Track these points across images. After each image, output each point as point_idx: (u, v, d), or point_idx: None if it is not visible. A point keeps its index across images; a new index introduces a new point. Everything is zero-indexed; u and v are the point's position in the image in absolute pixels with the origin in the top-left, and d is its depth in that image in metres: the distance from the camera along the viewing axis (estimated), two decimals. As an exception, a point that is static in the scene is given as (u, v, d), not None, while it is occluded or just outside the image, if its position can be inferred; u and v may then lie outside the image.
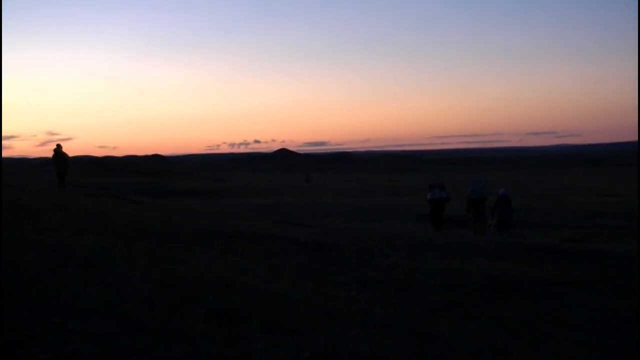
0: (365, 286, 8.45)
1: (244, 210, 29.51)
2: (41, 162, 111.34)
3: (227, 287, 6.51)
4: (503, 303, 8.30)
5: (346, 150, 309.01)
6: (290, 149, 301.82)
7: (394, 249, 12.70)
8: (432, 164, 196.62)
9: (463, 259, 12.32)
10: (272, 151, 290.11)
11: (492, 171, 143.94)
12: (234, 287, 6.62)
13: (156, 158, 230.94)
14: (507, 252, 14.03)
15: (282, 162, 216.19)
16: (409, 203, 42.21)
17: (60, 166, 25.69)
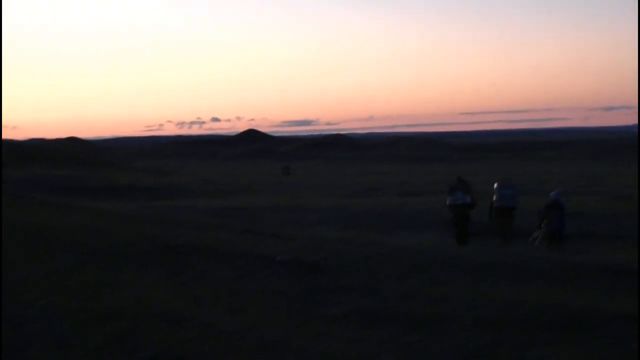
0: (370, 322, 8.47)
1: (198, 216, 29.47)
2: None
3: (174, 323, 6.52)
4: (562, 344, 8.33)
5: (341, 132, 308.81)
6: (263, 129, 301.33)
7: (409, 271, 12.73)
8: (462, 150, 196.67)
9: (506, 283, 12.35)
10: (236, 133, 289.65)
11: (547, 161, 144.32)
12: (185, 322, 6.64)
13: (74, 142, 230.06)
14: (568, 275, 14.09)
15: (250, 147, 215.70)
16: (429, 205, 42.28)
17: None
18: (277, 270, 11.45)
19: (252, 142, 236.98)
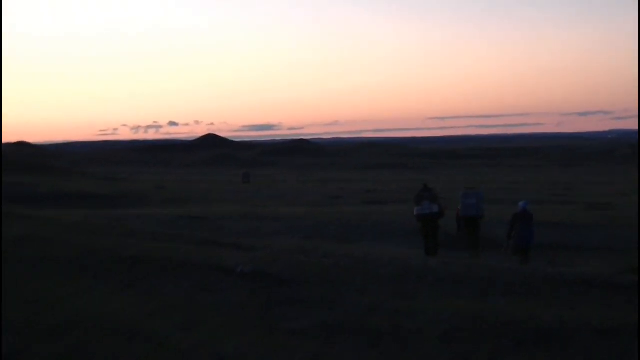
0: (332, 337, 8.48)
1: (153, 225, 29.35)
2: None
3: (128, 338, 6.49)
4: (531, 358, 8.39)
5: (304, 137, 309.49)
6: (222, 134, 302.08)
7: (374, 283, 12.75)
8: (430, 157, 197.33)
9: (474, 296, 12.41)
10: (195, 138, 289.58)
11: (518, 168, 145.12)
12: (138, 337, 6.61)
13: (22, 147, 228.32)
14: (539, 287, 14.18)
15: (209, 153, 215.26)
16: (396, 215, 42.38)
17: None
18: (237, 282, 11.43)
19: (211, 147, 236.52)
